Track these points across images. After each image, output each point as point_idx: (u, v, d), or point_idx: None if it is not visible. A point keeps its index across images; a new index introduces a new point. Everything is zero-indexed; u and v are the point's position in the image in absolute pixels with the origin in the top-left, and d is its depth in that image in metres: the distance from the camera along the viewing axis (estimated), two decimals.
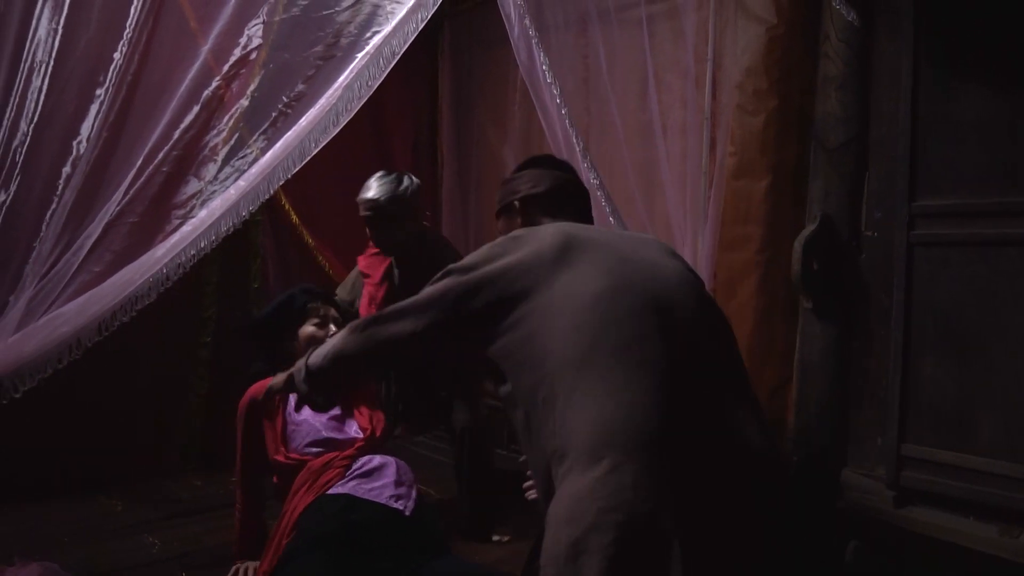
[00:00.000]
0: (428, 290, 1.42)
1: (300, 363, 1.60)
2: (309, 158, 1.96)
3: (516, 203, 1.68)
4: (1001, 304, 2.25)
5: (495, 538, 2.59)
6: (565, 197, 1.68)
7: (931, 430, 2.37)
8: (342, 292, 2.96)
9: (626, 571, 1.08)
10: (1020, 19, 2.20)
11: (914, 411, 2.41)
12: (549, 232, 1.41)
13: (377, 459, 2.17)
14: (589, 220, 1.71)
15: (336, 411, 2.25)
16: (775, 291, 2.78)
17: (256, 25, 2.05)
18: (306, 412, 2.22)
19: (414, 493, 2.14)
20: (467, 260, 1.43)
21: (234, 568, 2.17)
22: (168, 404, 3.28)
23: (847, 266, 2.59)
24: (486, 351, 1.37)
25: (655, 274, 1.39)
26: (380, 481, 2.10)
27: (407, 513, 2.04)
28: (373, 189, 2.71)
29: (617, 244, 1.44)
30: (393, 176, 2.74)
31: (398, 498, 2.07)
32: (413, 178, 2.78)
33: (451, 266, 1.43)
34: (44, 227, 1.71)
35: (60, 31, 1.70)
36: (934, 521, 2.33)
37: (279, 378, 1.73)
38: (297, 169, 1.95)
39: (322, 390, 1.59)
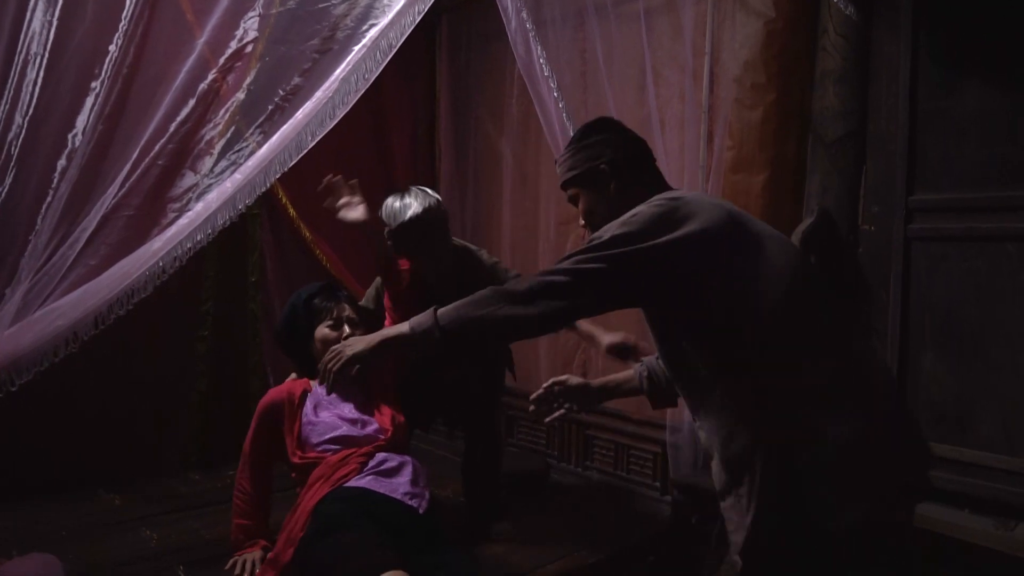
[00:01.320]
0: (597, 262, 1.42)
1: (424, 322, 1.51)
2: (306, 151, 1.96)
3: (604, 167, 1.64)
4: (999, 299, 2.25)
5: (495, 533, 2.57)
6: (650, 160, 1.71)
7: (928, 424, 2.37)
8: (367, 303, 2.78)
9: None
10: (1018, 15, 2.20)
11: (911, 404, 2.41)
12: (710, 204, 1.49)
13: (396, 459, 2.17)
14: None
15: (354, 409, 2.26)
16: None
17: (252, 18, 2.05)
18: (324, 413, 2.23)
19: (427, 493, 2.14)
20: (633, 227, 1.43)
21: (232, 560, 2.17)
22: (166, 399, 3.27)
23: (845, 260, 2.59)
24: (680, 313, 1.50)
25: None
26: (397, 479, 2.11)
27: (421, 512, 2.05)
28: (416, 203, 2.39)
29: (761, 226, 1.59)
30: (412, 190, 2.48)
31: (413, 496, 2.07)
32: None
33: (616, 233, 1.44)
34: (40, 220, 1.70)
35: (55, 24, 1.69)
36: (930, 514, 2.33)
37: (391, 334, 1.58)
38: (294, 162, 1.95)
39: (456, 351, 1.62)
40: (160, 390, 3.25)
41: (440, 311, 1.51)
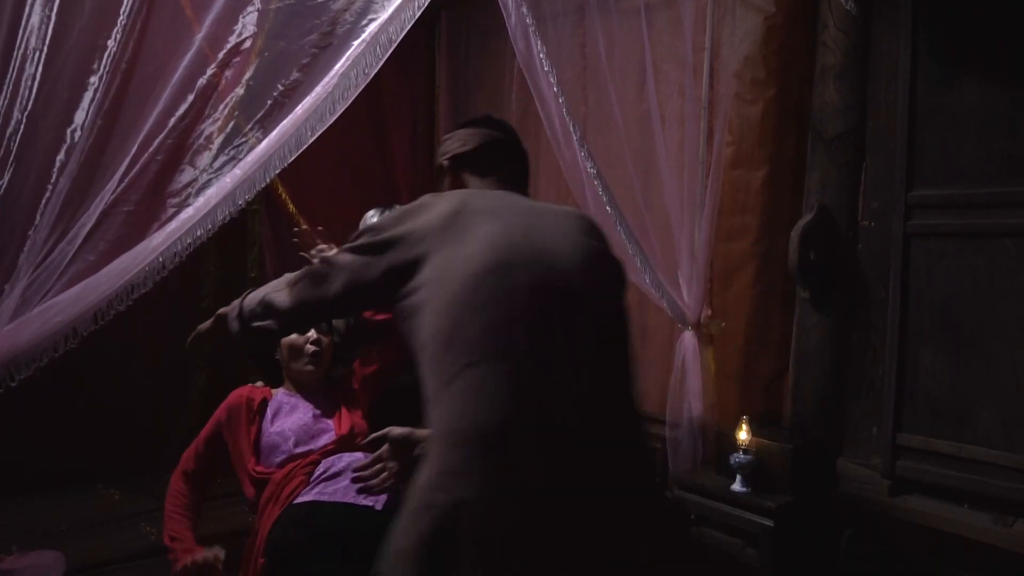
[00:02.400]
0: (345, 251, 1.41)
1: (235, 304, 1.58)
2: (305, 147, 1.95)
3: (445, 163, 1.61)
4: (997, 295, 2.25)
5: None
6: (498, 156, 1.59)
7: (927, 420, 2.38)
8: None
9: (438, 547, 1.11)
10: (1018, 12, 2.20)
11: (910, 401, 2.42)
12: (446, 199, 1.38)
13: (345, 458, 2.01)
14: (523, 182, 1.61)
15: (311, 419, 2.12)
16: (772, 281, 2.78)
17: (251, 13, 2.03)
18: (280, 424, 2.10)
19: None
20: (379, 221, 1.42)
21: (183, 564, 1.94)
22: (165, 395, 3.27)
23: (844, 256, 2.59)
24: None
25: (548, 253, 1.30)
26: (342, 480, 1.94)
27: (378, 508, 1.88)
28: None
29: (513, 218, 1.35)
30: (395, 207, 2.46)
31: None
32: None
33: (366, 226, 1.43)
34: (39, 216, 1.69)
35: (53, 19, 1.68)
36: (929, 510, 2.34)
37: (207, 323, 1.70)
38: (293, 158, 1.94)
39: (252, 335, 1.55)
40: (159, 386, 3.25)
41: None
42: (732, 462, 2.46)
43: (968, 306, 2.31)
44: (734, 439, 2.49)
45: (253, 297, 1.55)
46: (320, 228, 2.17)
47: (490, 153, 1.58)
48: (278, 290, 1.51)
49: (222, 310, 1.63)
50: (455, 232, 1.30)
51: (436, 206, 1.35)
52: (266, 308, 1.51)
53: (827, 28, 2.59)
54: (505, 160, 1.59)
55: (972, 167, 2.31)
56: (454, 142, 1.62)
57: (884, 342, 2.49)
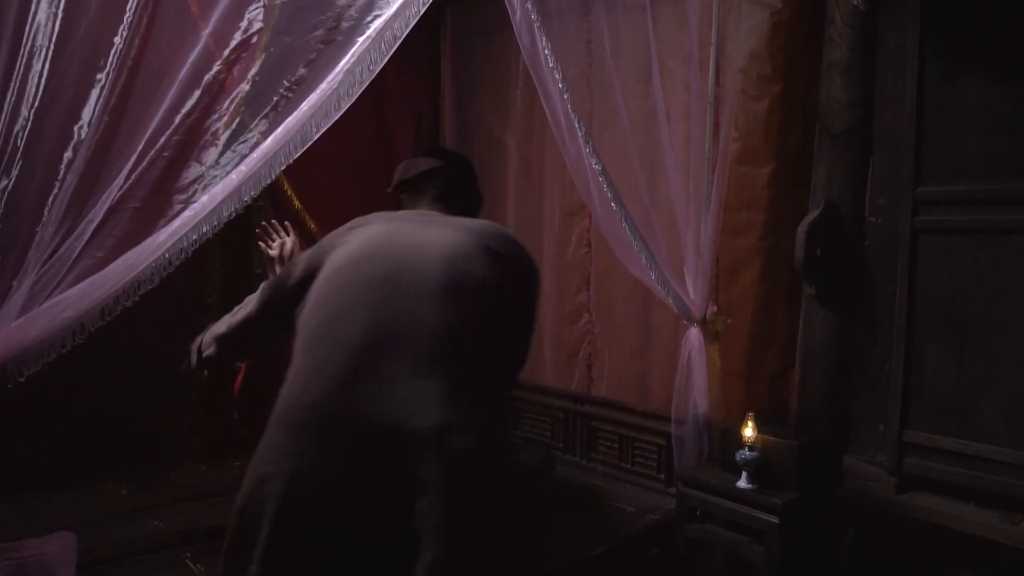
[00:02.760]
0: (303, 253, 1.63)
1: (202, 337, 1.76)
2: (311, 143, 1.95)
3: (391, 190, 1.82)
4: (1004, 291, 2.24)
5: None
6: (434, 181, 1.76)
7: (933, 417, 2.37)
8: None
9: (246, 513, 1.26)
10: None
11: (916, 398, 2.41)
12: (362, 217, 1.58)
13: None
14: (451, 200, 1.74)
15: None
16: (778, 277, 2.78)
17: (257, 9, 2.04)
18: None
19: None
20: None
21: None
22: (171, 390, 3.28)
23: (850, 253, 2.58)
24: None
25: (401, 256, 1.43)
26: None
27: None
28: None
29: (393, 223, 1.54)
30: None
31: None
32: None
33: None
34: (46, 212, 1.70)
35: (60, 15, 1.68)
36: (934, 507, 2.34)
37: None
38: (299, 154, 1.95)
39: (204, 364, 1.76)
40: (165, 381, 3.26)
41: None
42: (737, 459, 2.46)
43: (975, 302, 2.30)
44: (739, 436, 2.49)
45: (209, 334, 1.74)
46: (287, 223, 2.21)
47: (427, 179, 1.75)
48: (242, 306, 1.70)
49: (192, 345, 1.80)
50: (346, 240, 1.50)
51: (352, 222, 1.58)
52: (217, 338, 1.71)
53: (833, 23, 2.58)
54: (429, 184, 1.75)
55: (977, 163, 2.29)
56: (399, 171, 1.82)
57: (890, 338, 2.48)
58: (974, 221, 2.30)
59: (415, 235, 1.48)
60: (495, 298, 1.43)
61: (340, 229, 1.57)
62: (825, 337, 2.63)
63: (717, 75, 2.77)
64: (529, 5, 2.24)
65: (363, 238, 1.49)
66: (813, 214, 2.57)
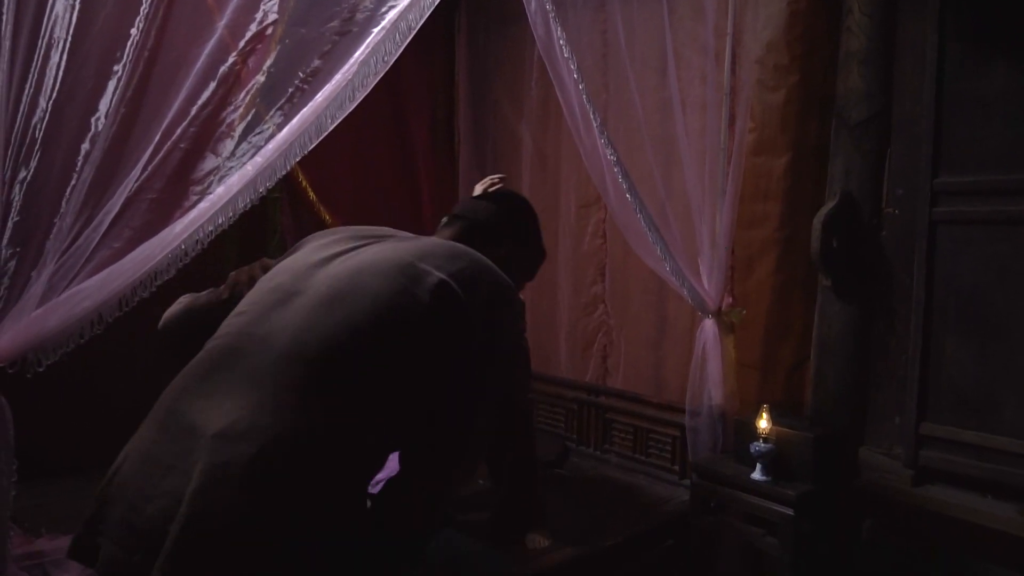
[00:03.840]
0: None
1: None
2: (326, 134, 1.96)
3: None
4: (1023, 283, 2.22)
5: (531, 544, 2.30)
6: (461, 215, 1.57)
7: (950, 410, 2.35)
8: None
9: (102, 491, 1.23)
10: None
11: (934, 390, 2.39)
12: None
13: None
14: (471, 241, 1.46)
15: None
16: (794, 269, 2.76)
17: (272, 0, 2.04)
18: None
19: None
20: None
21: None
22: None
23: (868, 244, 2.56)
24: None
25: (316, 264, 1.29)
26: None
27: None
28: None
29: (333, 239, 1.38)
30: None
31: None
32: None
33: None
34: (64, 203, 1.72)
35: (77, 7, 1.70)
36: (952, 500, 2.32)
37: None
38: (314, 145, 1.95)
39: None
40: (167, 375, 3.28)
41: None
42: (752, 451, 2.45)
43: (994, 294, 2.28)
44: (754, 428, 2.48)
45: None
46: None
47: (465, 211, 1.57)
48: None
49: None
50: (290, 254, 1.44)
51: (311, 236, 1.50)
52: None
53: (852, 12, 2.55)
54: (471, 225, 1.53)
55: (999, 153, 2.26)
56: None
57: (907, 330, 2.46)
58: (995, 212, 2.28)
59: (339, 249, 1.32)
60: (395, 332, 1.16)
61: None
62: (841, 329, 2.61)
63: (733, 65, 2.75)
64: None
65: (301, 251, 1.39)
66: (829, 205, 2.55)
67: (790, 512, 2.35)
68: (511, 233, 1.55)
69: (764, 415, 2.48)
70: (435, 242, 1.35)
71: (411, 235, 1.42)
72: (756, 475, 2.46)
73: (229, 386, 1.15)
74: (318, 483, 1.08)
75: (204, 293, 1.50)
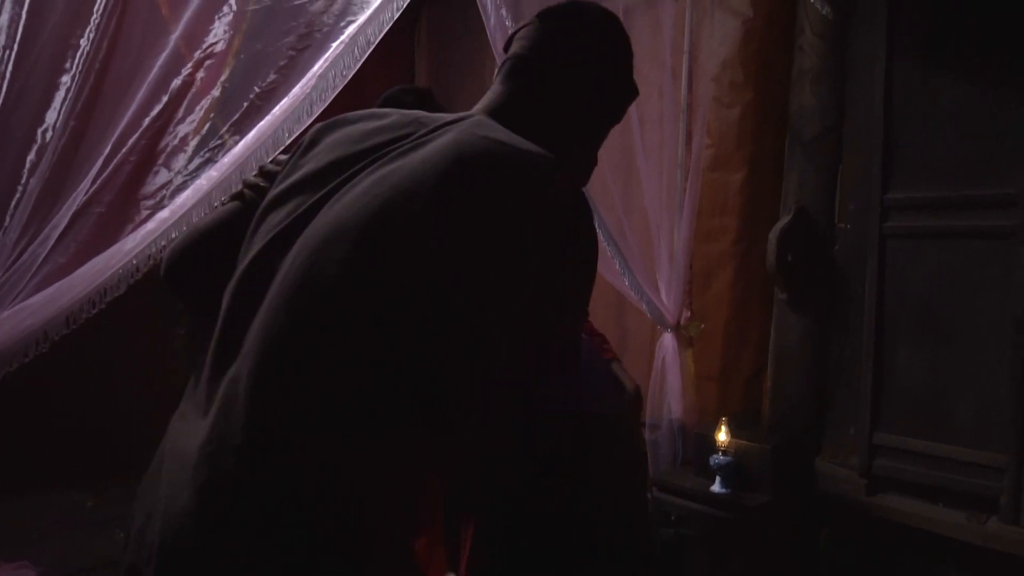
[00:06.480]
0: None
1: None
2: (282, 148, 1.93)
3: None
4: (972, 294, 2.28)
5: None
6: (516, 39, 1.20)
7: (903, 418, 2.40)
8: None
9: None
10: (991, 12, 2.23)
11: (886, 400, 2.44)
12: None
13: None
14: (528, 83, 1.11)
15: None
16: (751, 282, 2.80)
17: (227, 14, 2.02)
18: None
19: None
20: None
21: None
22: (140, 397, 3.23)
23: (822, 257, 2.61)
24: None
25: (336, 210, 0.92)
26: None
27: None
28: None
29: (350, 150, 0.98)
30: None
31: None
32: None
33: None
34: (8, 217, 1.67)
35: (24, 17, 1.66)
36: (904, 508, 2.36)
37: None
38: (271, 160, 1.92)
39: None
40: (134, 388, 3.21)
41: None
42: (712, 463, 2.47)
43: (944, 305, 2.34)
44: (714, 440, 2.50)
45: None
46: None
47: (521, 35, 1.18)
48: None
49: None
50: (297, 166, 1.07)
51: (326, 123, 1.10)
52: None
53: (804, 32, 2.61)
54: (530, 53, 1.13)
55: (947, 168, 2.33)
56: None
57: (861, 341, 2.51)
58: (944, 226, 2.34)
59: (321, 191, 0.95)
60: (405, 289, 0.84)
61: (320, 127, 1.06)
62: (797, 340, 2.65)
63: (690, 82, 2.79)
64: (504, 11, 2.25)
65: (304, 171, 0.99)
66: (784, 220, 2.59)
67: (749, 524, 2.37)
68: (570, 68, 1.09)
69: (723, 428, 2.50)
70: (476, 147, 0.91)
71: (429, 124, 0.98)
72: (715, 487, 2.48)
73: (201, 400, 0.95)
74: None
75: (209, 214, 1.15)
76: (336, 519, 0.82)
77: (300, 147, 1.05)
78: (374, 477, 0.85)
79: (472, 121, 0.98)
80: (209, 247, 1.07)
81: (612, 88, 1.18)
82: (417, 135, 0.97)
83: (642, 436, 2.31)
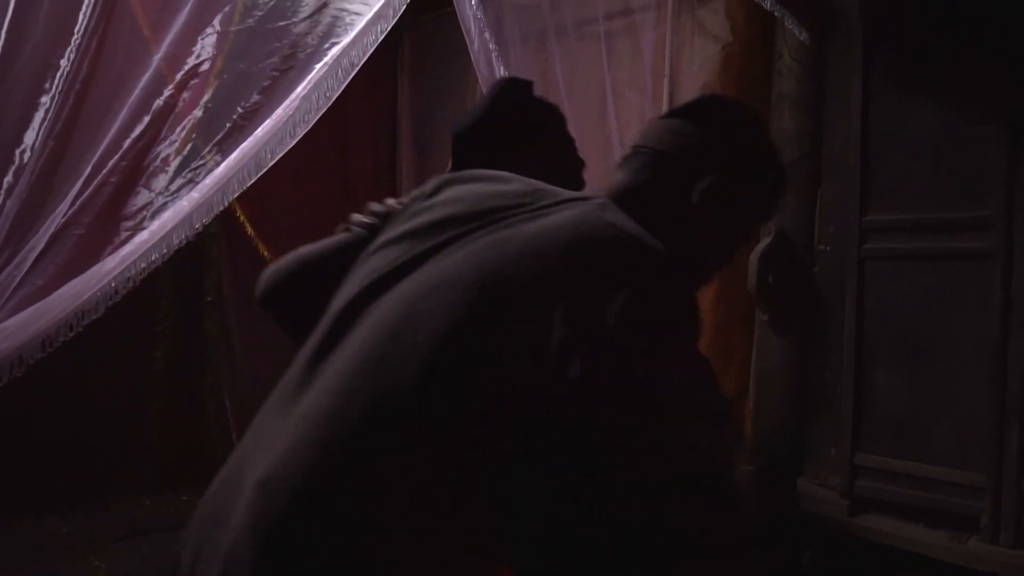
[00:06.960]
0: None
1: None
2: (265, 170, 1.93)
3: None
4: (951, 315, 2.31)
5: None
6: (661, 132, 1.13)
7: (883, 439, 2.42)
8: None
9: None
10: (967, 37, 2.28)
11: (867, 421, 2.46)
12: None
13: None
14: (663, 187, 1.06)
15: None
16: (732, 304, 2.82)
17: (210, 35, 2.01)
18: None
19: None
20: None
21: None
22: (118, 421, 3.18)
23: (802, 279, 2.64)
24: None
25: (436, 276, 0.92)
26: None
27: None
28: None
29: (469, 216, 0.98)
30: None
31: None
32: None
33: None
34: None
35: (3, 35, 1.64)
36: (886, 529, 2.37)
37: None
38: (253, 181, 1.92)
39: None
40: (112, 413, 3.16)
41: None
42: None
43: (923, 327, 2.36)
44: None
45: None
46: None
47: (671, 126, 1.14)
48: None
49: None
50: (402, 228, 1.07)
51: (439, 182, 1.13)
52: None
53: (782, 57, 2.66)
54: (678, 153, 1.08)
55: (924, 190, 2.36)
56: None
57: (842, 362, 2.53)
58: (922, 248, 2.37)
59: (402, 257, 0.95)
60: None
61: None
62: (779, 362, 2.67)
63: (671, 106, 2.82)
64: (487, 34, 2.27)
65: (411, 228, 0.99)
66: (765, 242, 2.62)
67: (732, 544, 2.36)
68: (711, 168, 1.02)
69: None
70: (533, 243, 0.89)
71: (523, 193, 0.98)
72: None
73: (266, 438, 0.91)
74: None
75: (314, 245, 1.16)
76: None
77: (422, 193, 1.07)
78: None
79: (597, 203, 0.97)
80: (308, 277, 1.09)
81: (758, 213, 1.14)
82: (536, 205, 0.96)
83: None
